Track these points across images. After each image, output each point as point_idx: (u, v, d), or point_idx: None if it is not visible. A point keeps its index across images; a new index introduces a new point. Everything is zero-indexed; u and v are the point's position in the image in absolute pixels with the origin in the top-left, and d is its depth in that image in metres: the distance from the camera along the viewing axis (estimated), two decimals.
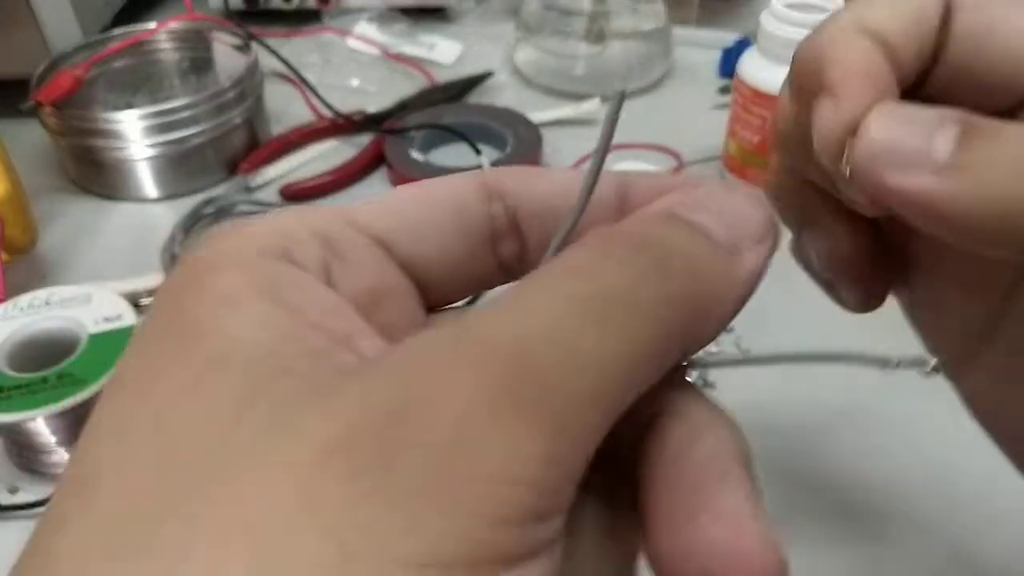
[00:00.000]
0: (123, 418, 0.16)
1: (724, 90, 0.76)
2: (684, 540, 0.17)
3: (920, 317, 0.32)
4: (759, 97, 0.59)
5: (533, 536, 0.14)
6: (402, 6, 0.87)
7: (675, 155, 0.68)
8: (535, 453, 0.14)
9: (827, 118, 0.22)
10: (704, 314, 0.18)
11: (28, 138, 0.68)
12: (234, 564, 0.13)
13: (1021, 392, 0.27)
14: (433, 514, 0.13)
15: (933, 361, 0.32)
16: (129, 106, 0.65)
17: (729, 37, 0.81)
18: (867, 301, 0.32)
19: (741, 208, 0.20)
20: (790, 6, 0.58)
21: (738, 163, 0.63)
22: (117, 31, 0.73)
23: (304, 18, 0.87)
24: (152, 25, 0.73)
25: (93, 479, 0.15)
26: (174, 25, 0.73)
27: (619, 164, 0.64)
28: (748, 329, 0.53)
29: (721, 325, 0.19)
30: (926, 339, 0.32)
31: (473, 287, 0.23)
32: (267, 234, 0.19)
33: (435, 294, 0.22)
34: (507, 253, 0.23)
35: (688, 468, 0.18)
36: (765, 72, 0.59)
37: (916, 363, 0.50)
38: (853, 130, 0.21)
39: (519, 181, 0.23)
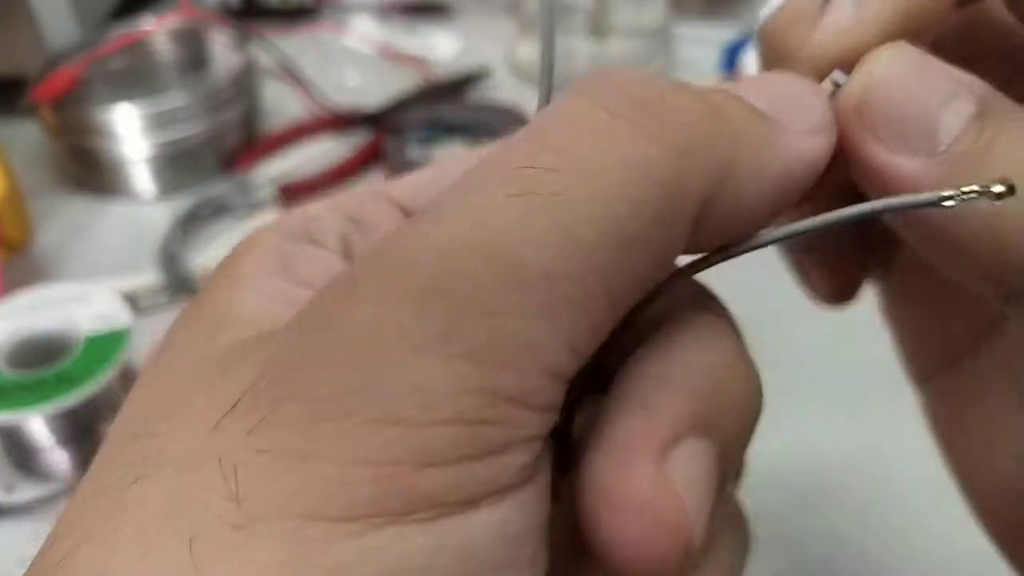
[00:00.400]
0: (141, 388, 0.16)
1: None
2: (580, 476, 0.15)
3: (894, 316, 0.29)
4: None
5: (475, 477, 0.13)
6: (400, 2, 0.87)
7: None
8: (456, 385, 0.13)
9: (837, 21, 0.18)
10: (734, 183, 0.15)
11: (25, 136, 0.67)
12: (151, 503, 0.13)
13: (981, 419, 0.23)
14: (328, 466, 0.12)
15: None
16: (127, 104, 0.65)
17: (730, 34, 0.81)
18: (838, 293, 0.28)
19: (798, 93, 0.17)
20: None
21: None
22: (114, 29, 0.72)
23: (301, 15, 0.86)
24: (149, 23, 0.73)
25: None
26: (171, 23, 0.73)
27: None
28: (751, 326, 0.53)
29: (762, 206, 0.16)
30: (897, 341, 0.29)
31: None
32: (293, 220, 0.19)
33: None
34: None
35: (618, 400, 0.16)
36: None
37: None
38: (852, 58, 0.17)
39: None
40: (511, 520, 0.14)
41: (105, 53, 0.70)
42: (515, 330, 0.13)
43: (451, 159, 0.22)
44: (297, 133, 0.70)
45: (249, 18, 0.83)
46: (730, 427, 0.16)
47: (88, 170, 0.66)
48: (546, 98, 0.18)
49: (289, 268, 0.18)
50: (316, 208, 0.20)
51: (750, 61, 0.61)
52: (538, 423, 0.14)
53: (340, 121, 0.71)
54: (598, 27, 0.76)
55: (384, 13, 0.86)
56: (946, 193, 0.15)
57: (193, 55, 0.72)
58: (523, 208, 0.14)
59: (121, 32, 0.72)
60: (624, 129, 0.14)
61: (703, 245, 0.17)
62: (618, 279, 0.14)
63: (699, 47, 0.82)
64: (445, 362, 0.13)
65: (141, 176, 0.65)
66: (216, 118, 0.66)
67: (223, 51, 0.71)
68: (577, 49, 0.76)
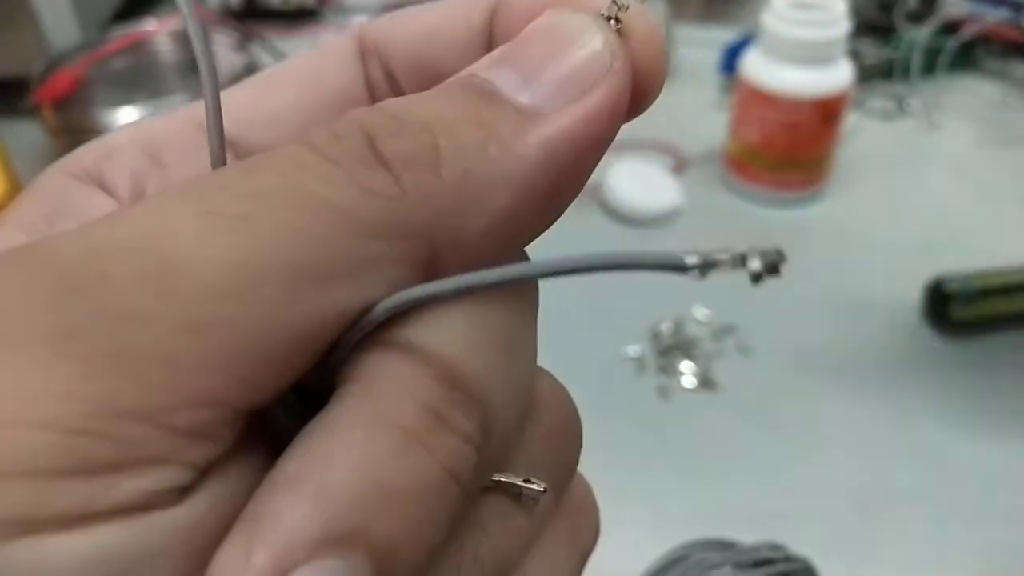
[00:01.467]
0: None
1: (725, 88, 0.76)
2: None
3: None
4: (760, 95, 0.59)
5: (80, 493, 0.12)
6: (400, 4, 0.87)
7: (675, 153, 0.68)
8: (60, 386, 0.12)
9: None
10: (468, 210, 0.14)
11: (27, 137, 0.67)
12: None
13: None
14: None
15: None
16: (128, 105, 0.65)
17: (730, 35, 0.81)
18: None
19: (555, 42, 0.15)
20: (792, 5, 0.58)
21: (739, 161, 0.63)
22: (116, 31, 0.72)
23: (302, 17, 0.86)
24: (151, 25, 0.73)
25: None
26: (173, 25, 0.73)
27: (620, 162, 0.64)
28: (751, 325, 0.53)
29: (491, 222, 0.15)
30: None
31: None
32: (89, 155, 0.19)
33: None
34: None
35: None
36: (767, 70, 0.59)
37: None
38: None
39: (388, 29, 0.19)
40: (152, 540, 0.12)
41: (107, 54, 0.70)
42: (153, 340, 0.12)
43: (263, 72, 0.20)
44: None
45: (250, 20, 0.83)
46: (398, 529, 0.13)
47: None
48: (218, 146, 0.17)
49: (57, 218, 0.17)
50: (117, 139, 0.19)
51: (750, 62, 0.61)
52: (174, 446, 0.13)
53: None
54: None
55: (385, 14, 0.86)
56: (690, 261, 0.13)
57: (194, 57, 0.73)
58: (203, 226, 0.13)
59: (123, 33, 0.72)
60: (330, 170, 0.14)
61: (456, 263, 0.15)
62: (307, 303, 0.13)
63: (699, 49, 0.82)
64: (55, 359, 0.12)
65: None
66: None
67: (225, 52, 0.71)
68: None
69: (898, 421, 0.48)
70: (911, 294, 0.54)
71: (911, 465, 0.46)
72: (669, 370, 0.51)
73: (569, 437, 0.18)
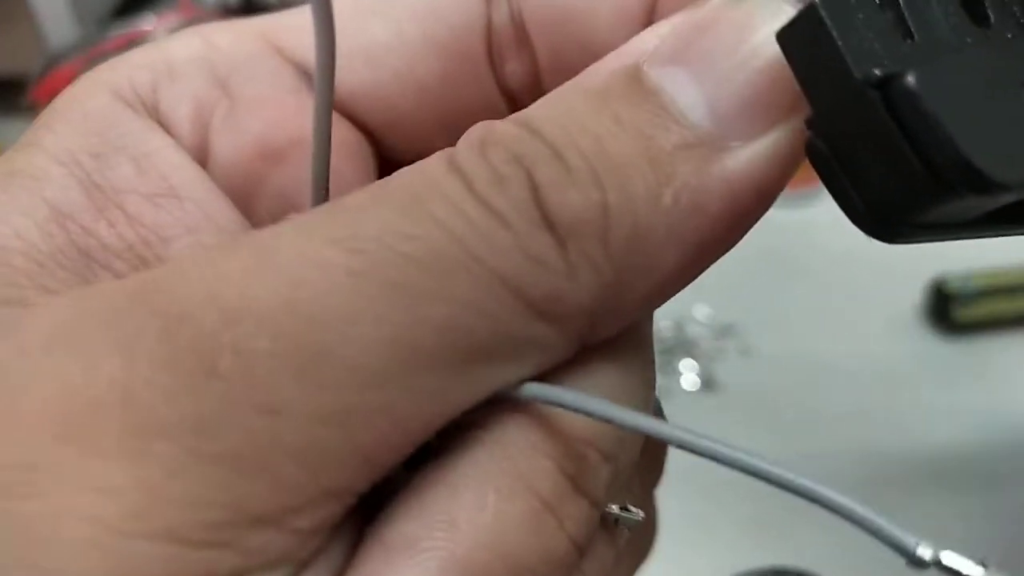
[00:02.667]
0: None
1: None
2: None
3: None
4: None
5: None
6: None
7: None
8: (190, 492, 0.11)
9: None
10: (633, 272, 0.12)
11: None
12: None
13: None
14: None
15: None
16: None
17: None
18: None
19: (749, 59, 0.12)
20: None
21: None
22: (114, 29, 0.72)
23: None
24: (149, 23, 0.73)
25: None
26: (171, 22, 0.73)
27: None
28: (751, 326, 0.53)
29: (653, 289, 0.13)
30: None
31: (466, 127, 0.16)
32: (144, 66, 0.16)
33: (404, 138, 0.16)
34: (514, 77, 0.16)
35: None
36: None
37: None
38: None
39: None
40: None
41: (105, 52, 0.69)
42: (294, 434, 0.11)
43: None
44: None
45: (248, 17, 0.83)
46: None
47: None
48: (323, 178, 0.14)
49: (107, 157, 0.14)
50: (177, 55, 0.16)
51: None
52: (295, 549, 0.12)
53: None
54: None
55: None
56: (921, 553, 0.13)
57: None
58: (355, 293, 0.11)
59: (121, 31, 0.72)
60: (496, 231, 0.12)
61: (609, 328, 0.14)
62: (455, 391, 0.12)
63: None
64: (189, 460, 0.11)
65: None
66: None
67: None
68: None
69: (899, 421, 0.48)
70: (912, 294, 0.54)
71: (912, 465, 0.46)
72: (669, 370, 0.51)
73: (657, 458, 0.17)
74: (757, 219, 0.13)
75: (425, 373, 0.12)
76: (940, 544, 0.12)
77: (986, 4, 0.13)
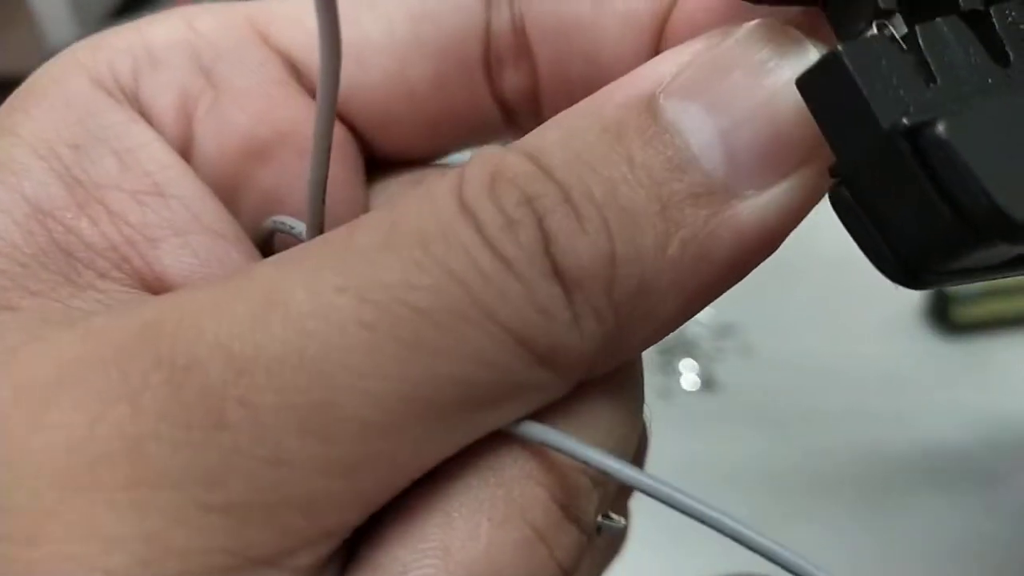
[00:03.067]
0: None
1: None
2: None
3: None
4: None
5: None
6: None
7: None
8: (199, 540, 0.11)
9: None
10: (642, 315, 0.12)
11: None
12: None
13: None
14: None
15: None
16: None
17: None
18: None
19: (768, 104, 0.12)
20: None
21: None
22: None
23: None
24: None
25: None
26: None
27: None
28: (751, 326, 0.53)
29: (652, 335, 0.13)
30: None
31: (458, 135, 0.16)
32: (124, 51, 0.15)
33: (393, 138, 0.16)
34: (511, 86, 0.16)
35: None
36: None
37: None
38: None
39: None
40: None
41: None
42: (299, 485, 0.11)
43: None
44: None
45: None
46: None
47: None
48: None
49: (87, 149, 0.14)
50: (160, 40, 0.15)
51: None
52: None
53: None
54: None
55: None
56: None
57: None
58: (369, 346, 0.11)
59: None
60: (507, 282, 0.12)
61: (607, 368, 0.14)
62: (456, 436, 0.12)
63: None
64: (197, 513, 0.11)
65: None
66: None
67: None
68: None
69: (899, 421, 0.48)
70: (912, 294, 0.54)
71: (912, 465, 0.45)
72: (669, 370, 0.51)
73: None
74: (762, 262, 0.13)
75: (431, 424, 0.12)
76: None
77: (1005, 43, 0.13)
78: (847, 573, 0.41)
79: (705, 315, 0.53)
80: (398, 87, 0.15)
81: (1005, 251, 0.12)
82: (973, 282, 0.13)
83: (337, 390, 0.11)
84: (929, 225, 0.12)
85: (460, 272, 0.11)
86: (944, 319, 0.52)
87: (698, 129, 0.12)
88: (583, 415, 0.13)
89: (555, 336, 0.12)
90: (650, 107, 0.12)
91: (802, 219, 0.13)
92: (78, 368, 0.11)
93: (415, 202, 0.12)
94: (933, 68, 0.12)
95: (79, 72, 0.15)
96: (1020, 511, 0.43)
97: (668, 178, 0.12)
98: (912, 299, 0.54)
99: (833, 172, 0.12)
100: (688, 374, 0.51)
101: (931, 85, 0.12)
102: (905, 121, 0.11)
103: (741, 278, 0.13)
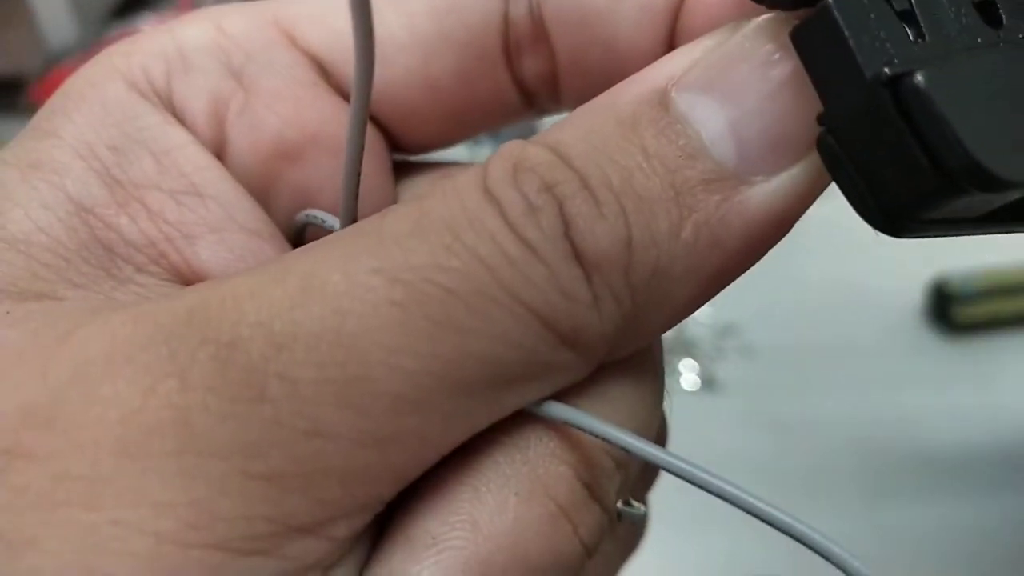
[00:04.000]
0: None
1: None
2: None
3: None
4: None
5: None
6: None
7: None
8: (240, 507, 0.11)
9: None
10: (659, 297, 0.13)
11: None
12: None
13: None
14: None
15: None
16: None
17: None
18: None
19: (775, 95, 0.13)
20: None
21: None
22: (114, 29, 0.72)
23: None
24: (148, 22, 0.73)
25: None
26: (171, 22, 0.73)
27: None
28: (751, 325, 0.53)
29: (668, 320, 0.14)
30: None
31: (480, 121, 0.17)
32: (156, 54, 0.16)
33: (417, 132, 0.16)
34: (531, 73, 0.16)
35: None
36: None
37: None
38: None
39: None
40: None
41: None
42: (336, 456, 0.12)
43: None
44: None
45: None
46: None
47: None
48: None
49: (127, 151, 0.15)
50: (191, 44, 0.16)
51: None
52: (329, 553, 0.12)
53: None
54: None
55: None
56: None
57: None
58: (400, 324, 0.12)
59: (120, 31, 0.72)
60: (531, 264, 0.12)
61: (625, 351, 0.14)
62: (482, 413, 0.13)
63: None
64: (243, 481, 0.11)
65: None
66: None
67: None
68: None
69: (899, 421, 0.48)
70: (913, 294, 0.54)
71: (912, 465, 0.45)
72: (669, 370, 0.51)
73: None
74: (771, 247, 0.14)
75: (459, 400, 0.12)
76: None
77: (999, 6, 0.13)
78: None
79: (705, 315, 0.53)
80: (422, 82, 0.16)
81: (985, 202, 0.13)
82: (956, 235, 0.14)
83: (371, 365, 0.12)
84: (908, 174, 0.12)
85: (486, 255, 0.12)
86: (944, 319, 0.52)
87: (709, 119, 0.13)
88: (605, 397, 0.14)
89: (576, 317, 0.12)
90: (663, 100, 0.13)
91: (810, 204, 0.13)
92: (129, 347, 0.12)
93: (441, 192, 0.13)
94: (922, 25, 0.13)
95: (115, 76, 0.16)
96: (1021, 511, 0.43)
97: (681, 166, 0.13)
98: (912, 299, 0.54)
99: (820, 120, 0.13)
100: (688, 374, 0.51)
101: (919, 41, 0.13)
102: (887, 71, 0.12)
103: (752, 263, 0.14)
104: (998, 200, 0.13)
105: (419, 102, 0.16)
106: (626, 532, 0.18)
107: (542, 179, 0.12)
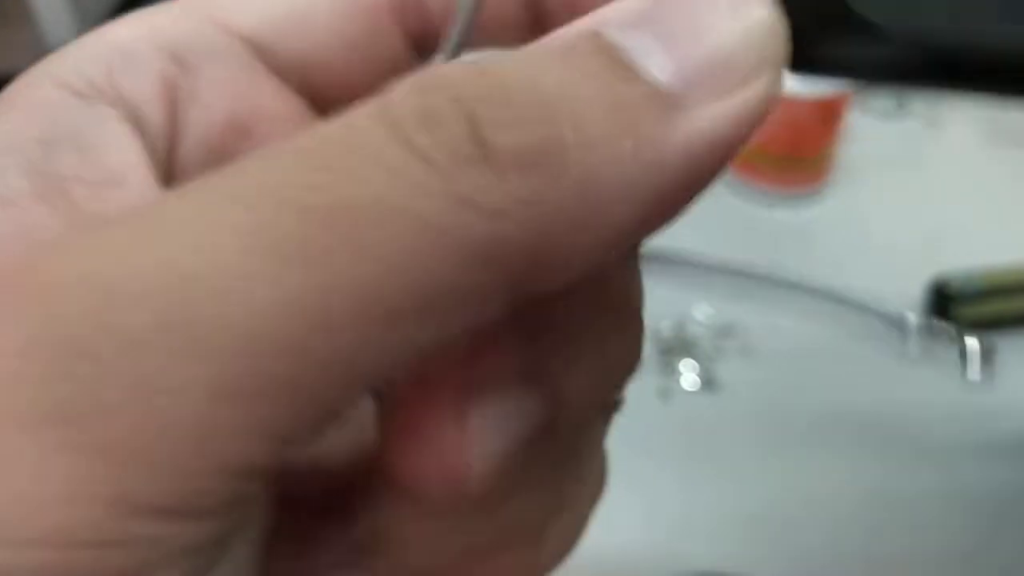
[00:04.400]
0: None
1: None
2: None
3: None
4: None
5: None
6: None
7: None
8: (68, 489, 0.10)
9: None
10: (584, 223, 0.11)
11: None
12: None
13: None
14: None
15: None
16: None
17: None
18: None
19: (721, 23, 0.12)
20: None
21: (745, 162, 0.62)
22: None
23: None
24: None
25: None
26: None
27: None
28: (752, 326, 0.53)
29: (599, 243, 0.12)
30: None
31: (378, 75, 0.16)
32: (93, 56, 0.15)
33: (330, 94, 0.17)
34: (417, 26, 0.17)
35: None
36: None
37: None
38: None
39: None
40: None
41: None
42: (184, 415, 0.10)
43: None
44: None
45: None
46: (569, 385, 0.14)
47: None
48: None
49: (57, 143, 0.14)
50: (125, 40, 0.15)
51: None
52: (202, 532, 0.10)
53: None
54: None
55: None
56: None
57: None
58: (246, 249, 0.10)
59: None
60: (422, 174, 0.11)
61: (546, 281, 0.12)
62: (368, 354, 0.11)
63: None
64: (54, 455, 0.10)
65: None
66: None
67: None
68: None
69: (900, 421, 0.48)
70: (913, 294, 0.54)
71: (912, 465, 0.45)
72: (669, 370, 0.51)
73: (635, 338, 0.16)
74: (710, 183, 0.13)
75: (332, 339, 0.10)
76: None
77: None
78: (848, 573, 0.41)
79: (705, 315, 0.53)
80: (338, 47, 0.16)
81: (874, 50, 0.14)
82: (870, 83, 0.15)
83: (214, 304, 0.10)
84: (800, 10, 0.13)
85: (360, 169, 0.10)
86: (946, 319, 0.52)
87: (646, 48, 0.12)
88: (581, 340, 0.13)
89: (482, 228, 0.11)
90: (598, 34, 0.12)
91: (751, 134, 0.13)
92: None
93: (333, 120, 0.11)
94: None
95: (45, 79, 0.16)
96: (1021, 511, 0.43)
97: (617, 83, 0.12)
98: (912, 299, 0.54)
99: None
100: (688, 374, 0.50)
101: None
102: None
103: (695, 193, 0.12)
104: (888, 48, 0.14)
105: (337, 68, 0.16)
106: (584, 481, 0.17)
107: (452, 90, 0.11)
